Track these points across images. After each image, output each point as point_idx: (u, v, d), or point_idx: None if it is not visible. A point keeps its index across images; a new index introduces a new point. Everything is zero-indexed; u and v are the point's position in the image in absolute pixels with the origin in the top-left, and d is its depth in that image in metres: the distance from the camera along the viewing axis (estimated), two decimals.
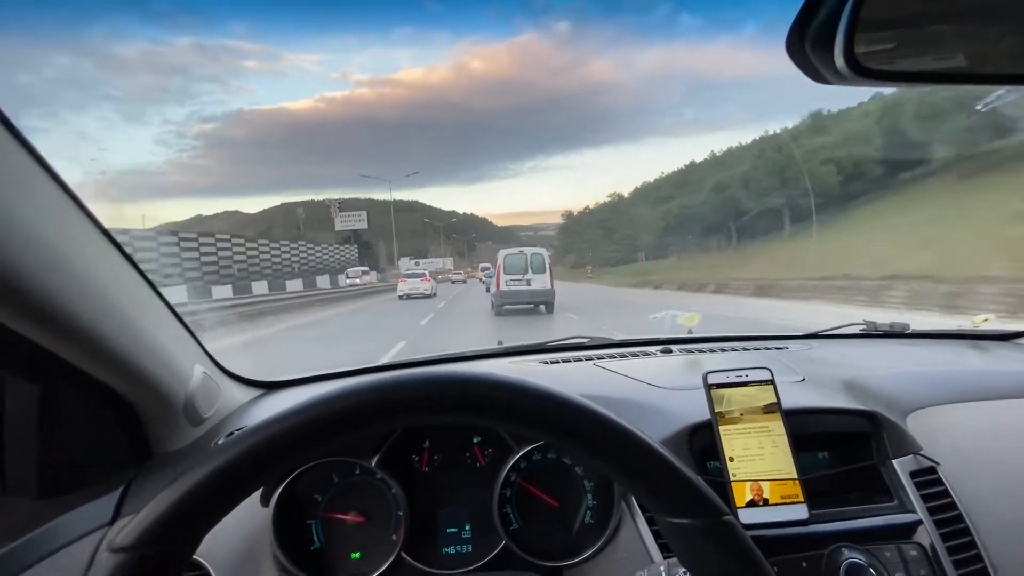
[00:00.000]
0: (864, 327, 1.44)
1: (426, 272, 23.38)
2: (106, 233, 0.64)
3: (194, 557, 0.68)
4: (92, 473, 0.72)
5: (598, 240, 62.29)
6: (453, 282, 36.13)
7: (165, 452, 0.80)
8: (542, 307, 11.53)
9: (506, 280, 11.45)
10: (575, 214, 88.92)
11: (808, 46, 0.45)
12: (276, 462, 0.38)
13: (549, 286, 11.50)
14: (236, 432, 0.88)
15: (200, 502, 0.36)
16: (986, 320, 1.42)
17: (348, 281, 32.81)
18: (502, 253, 12.25)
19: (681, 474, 0.40)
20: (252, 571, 0.69)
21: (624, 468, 0.40)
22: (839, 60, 0.43)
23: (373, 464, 0.76)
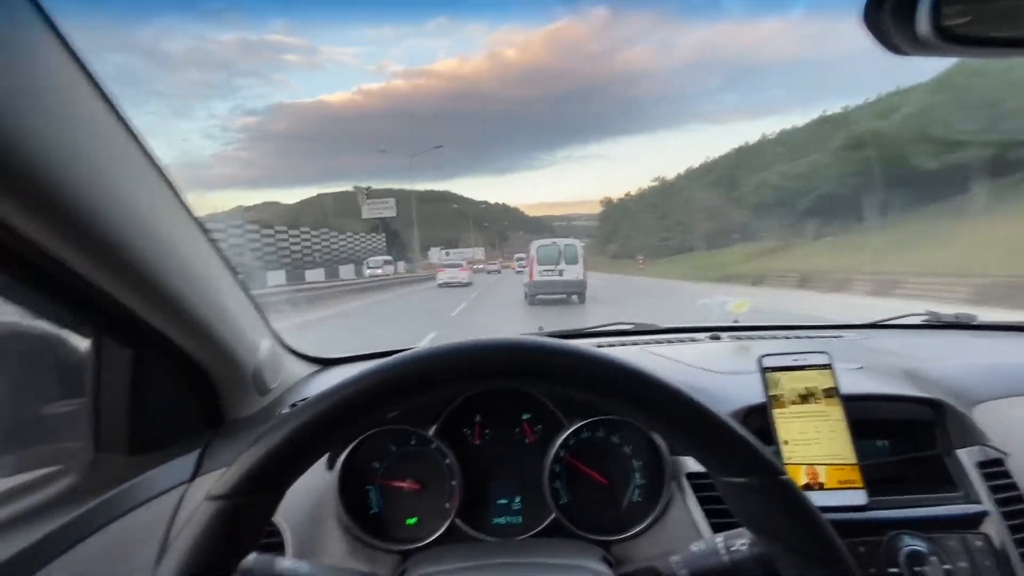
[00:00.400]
0: (927, 318, 1.38)
1: (463, 262, 24.72)
2: (190, 212, 0.68)
3: None
4: (174, 434, 0.78)
5: (647, 227, 57.24)
6: (488, 272, 36.82)
7: (236, 419, 0.86)
8: (574, 297, 11.56)
9: (539, 270, 11.57)
10: (615, 201, 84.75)
11: (887, 14, 0.44)
12: (354, 419, 0.41)
13: (582, 277, 11.55)
14: (301, 402, 0.94)
15: (286, 454, 0.39)
16: None
17: (368, 271, 31.91)
18: (535, 244, 12.31)
19: (737, 434, 0.41)
20: (318, 530, 0.74)
21: (680, 428, 0.41)
22: (923, 27, 0.41)
23: (431, 434, 0.79)
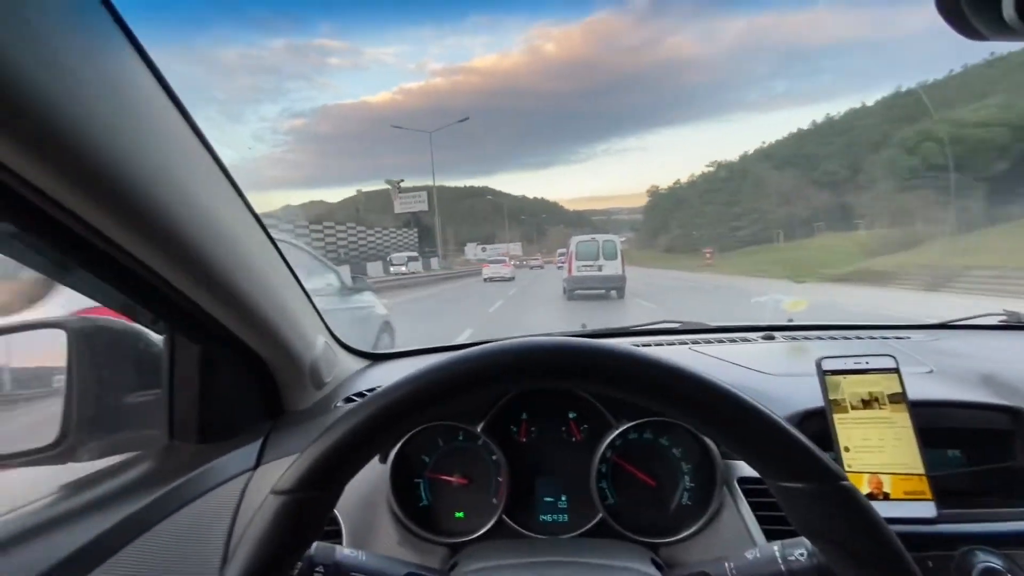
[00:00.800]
0: (1004, 317, 1.28)
1: (506, 259, 25.91)
2: (254, 214, 0.72)
3: None
4: (238, 424, 0.82)
5: (709, 216, 50.42)
6: (531, 268, 36.80)
7: (293, 410, 0.90)
8: (613, 292, 11.76)
9: (578, 266, 11.82)
10: (664, 190, 79.17)
11: None
12: (408, 418, 0.42)
13: (620, 272, 11.80)
14: (355, 395, 0.97)
15: (345, 452, 0.41)
16: None
17: (393, 269, 30.65)
18: (574, 240, 12.59)
19: (793, 436, 0.39)
20: (371, 520, 0.76)
21: (731, 431, 0.40)
22: (1008, 10, 0.38)
23: (479, 430, 0.81)
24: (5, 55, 0.35)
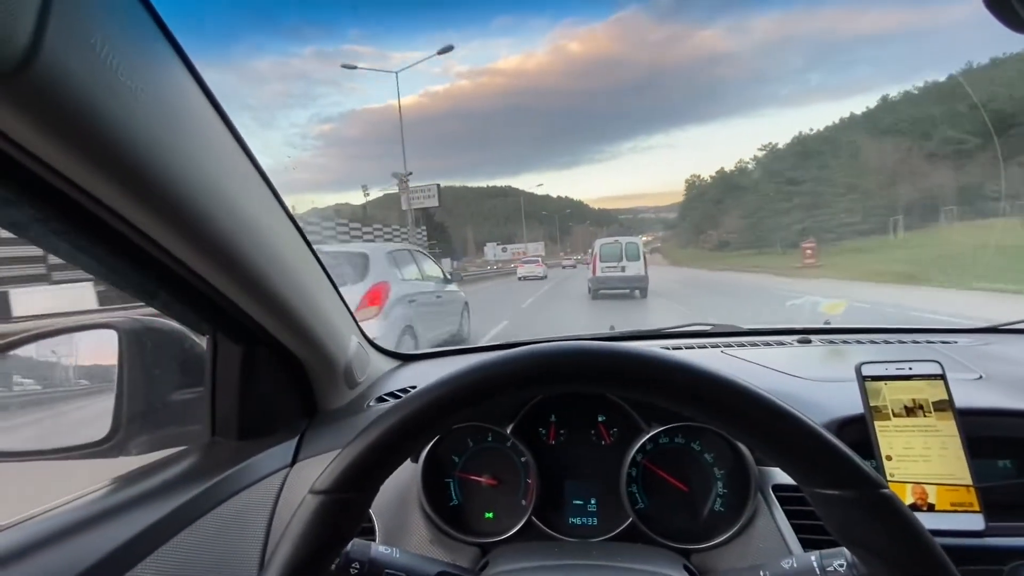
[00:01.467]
0: None
1: (538, 259, 27.89)
2: (292, 218, 0.75)
3: None
4: (276, 423, 0.85)
5: (776, 205, 39.43)
6: (563, 267, 36.97)
7: (328, 409, 0.93)
8: (636, 292, 12.31)
9: (602, 267, 12.43)
10: (706, 180, 70.14)
11: None
12: (441, 420, 0.43)
13: (643, 272, 12.37)
14: (387, 395, 0.99)
15: (380, 453, 0.42)
16: None
17: None
18: (598, 242, 13.26)
19: (830, 442, 0.38)
20: (404, 518, 0.78)
21: (765, 436, 0.40)
22: None
23: (508, 431, 0.81)
24: (75, 79, 0.37)
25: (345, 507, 0.43)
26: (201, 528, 0.63)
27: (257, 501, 0.73)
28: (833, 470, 0.38)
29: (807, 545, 0.66)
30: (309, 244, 0.80)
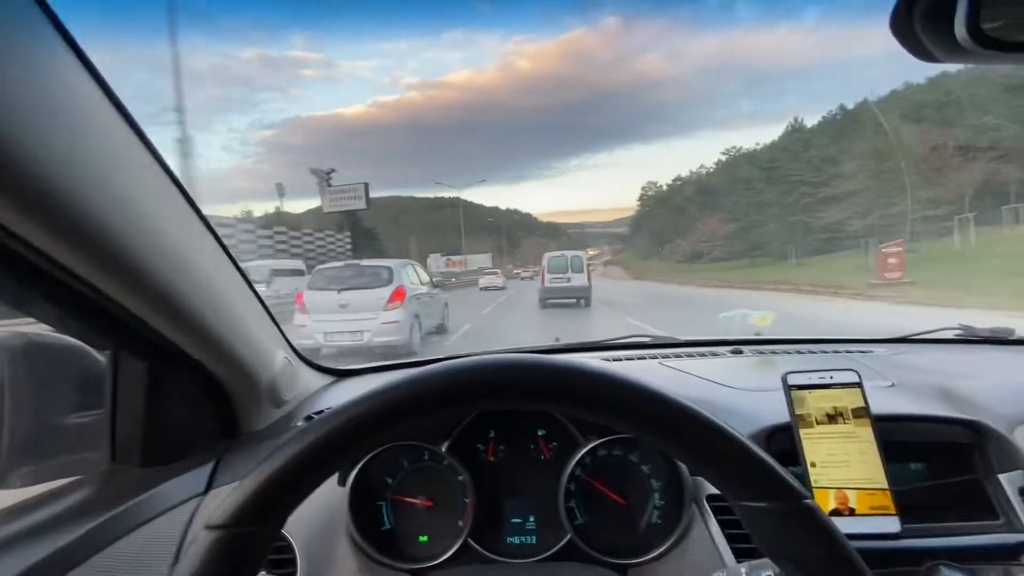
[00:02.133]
0: (960, 331, 1.32)
1: (498, 271, 30.19)
2: (207, 223, 0.69)
3: (282, 531, 0.74)
4: (188, 447, 0.78)
5: (789, 201, 29.64)
6: (522, 278, 37.23)
7: (251, 431, 0.86)
8: (581, 301, 13.07)
9: (550, 278, 13.33)
10: (660, 188, 65.64)
11: (919, 20, 0.42)
12: (356, 444, 0.39)
13: (587, 283, 13.26)
14: (316, 414, 0.93)
15: (286, 482, 0.38)
16: None
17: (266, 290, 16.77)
18: (547, 256, 14.15)
19: (756, 455, 0.38)
20: (330, 546, 0.73)
21: (695, 449, 0.39)
22: (960, 32, 0.39)
23: (443, 450, 0.78)
24: None
25: (247, 543, 0.38)
26: (95, 567, 0.56)
27: (162, 535, 0.66)
28: (758, 482, 0.38)
29: (740, 555, 0.67)
30: (229, 252, 0.75)
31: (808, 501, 0.37)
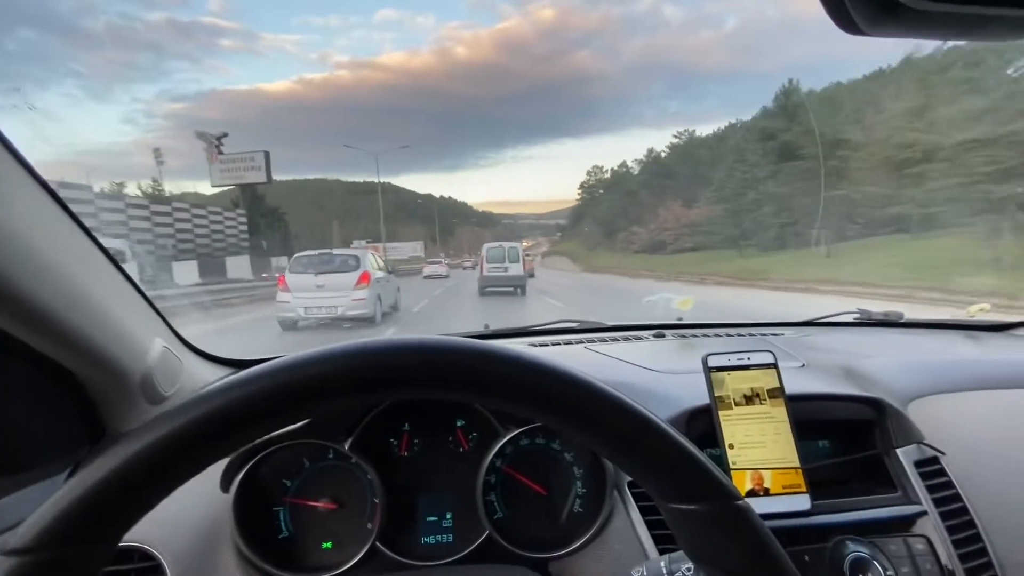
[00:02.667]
0: (858, 315, 1.42)
1: (443, 260, 30.14)
2: (54, 195, 0.57)
3: (146, 548, 0.63)
4: (38, 454, 0.65)
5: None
6: (464, 268, 36.95)
7: (119, 432, 0.74)
8: (518, 290, 13.76)
9: (488, 268, 13.95)
10: (605, 173, 62.01)
11: None
12: (214, 446, 0.32)
13: (522, 273, 14.02)
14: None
15: (122, 490, 0.30)
16: (982, 310, 1.40)
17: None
18: (485, 246, 14.76)
19: (689, 452, 0.34)
20: (211, 562, 0.63)
21: (619, 443, 0.34)
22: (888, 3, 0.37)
23: (346, 448, 0.71)
24: None
25: (62, 570, 0.30)
26: None
27: None
28: (689, 482, 0.34)
29: (660, 541, 0.66)
30: (86, 228, 0.62)
31: (741, 503, 0.34)
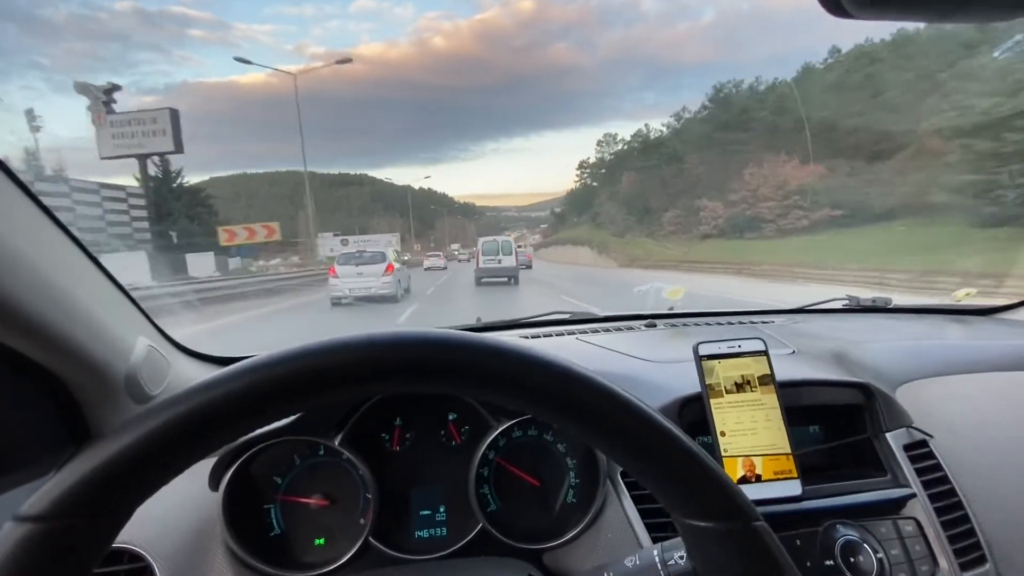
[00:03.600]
0: (846, 301, 1.43)
1: (440, 253, 33.14)
2: (27, 190, 0.55)
3: (133, 548, 0.62)
4: (21, 457, 0.64)
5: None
6: (460, 260, 38.50)
7: (103, 434, 0.73)
8: (511, 279, 15.07)
9: (483, 260, 15.35)
10: (624, 140, 49.88)
11: None
12: (225, 426, 0.32)
13: (515, 264, 15.46)
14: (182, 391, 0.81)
15: (133, 465, 0.30)
16: (968, 294, 1.41)
17: None
18: (481, 240, 16.18)
19: (709, 467, 0.33)
20: (200, 562, 0.63)
21: (638, 454, 0.34)
22: None
23: (336, 443, 0.70)
24: None
25: (69, 541, 0.29)
26: None
27: None
28: (708, 499, 0.34)
29: (653, 530, 0.66)
30: (58, 221, 0.61)
31: (760, 523, 0.34)
